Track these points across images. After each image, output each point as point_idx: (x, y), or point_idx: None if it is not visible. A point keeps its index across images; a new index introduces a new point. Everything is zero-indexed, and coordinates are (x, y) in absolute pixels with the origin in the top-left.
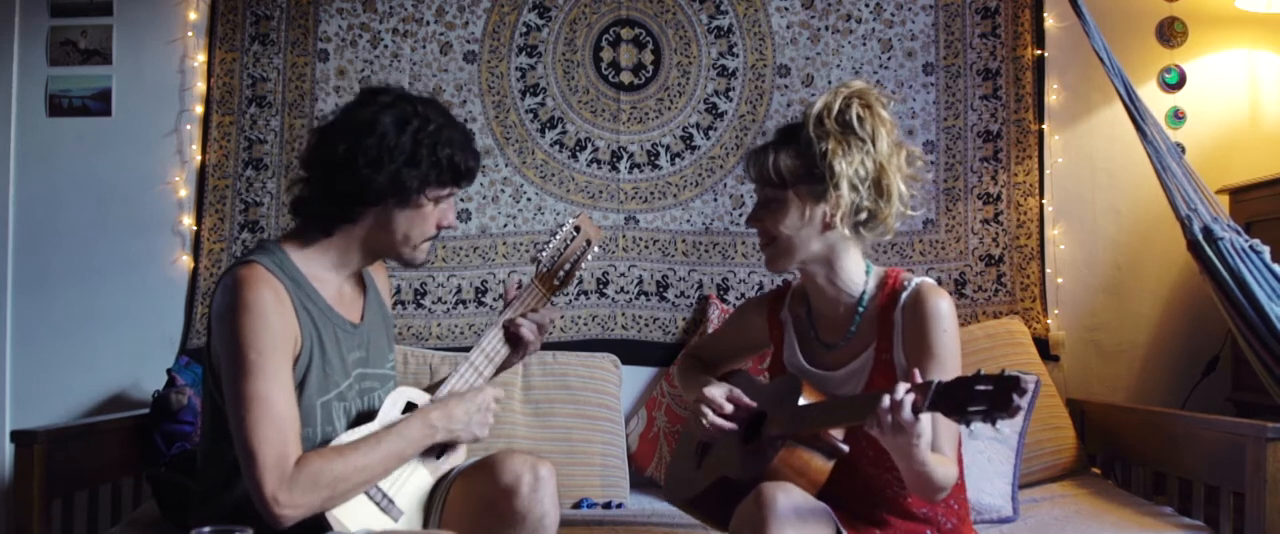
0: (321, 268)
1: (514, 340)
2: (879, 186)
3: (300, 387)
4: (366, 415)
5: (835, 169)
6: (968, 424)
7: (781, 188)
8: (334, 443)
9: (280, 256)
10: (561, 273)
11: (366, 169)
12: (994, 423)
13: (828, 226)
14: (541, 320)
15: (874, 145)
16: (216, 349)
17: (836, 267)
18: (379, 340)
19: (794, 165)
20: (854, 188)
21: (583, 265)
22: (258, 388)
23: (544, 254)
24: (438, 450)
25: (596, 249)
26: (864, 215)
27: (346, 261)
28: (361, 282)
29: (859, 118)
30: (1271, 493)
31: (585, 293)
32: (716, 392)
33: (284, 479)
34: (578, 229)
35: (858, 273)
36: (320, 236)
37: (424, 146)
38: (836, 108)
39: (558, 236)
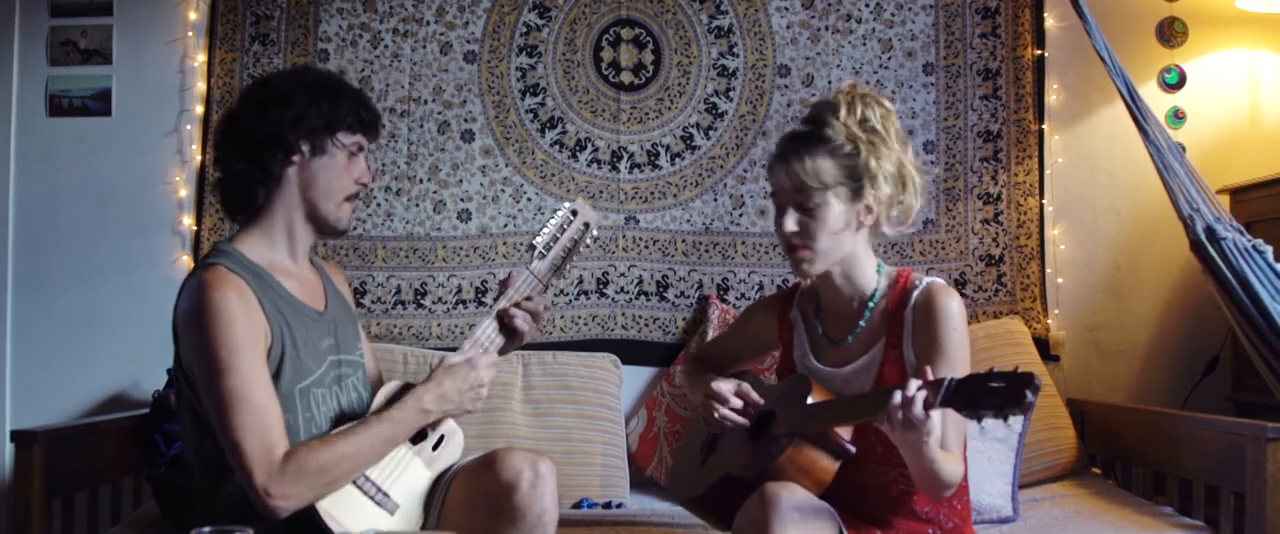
0: (277, 256)
1: (508, 331)
2: (902, 179)
3: (276, 377)
4: (350, 415)
5: (870, 167)
6: (980, 420)
7: (821, 191)
8: (322, 435)
9: (237, 255)
10: (558, 258)
11: (273, 118)
12: (1006, 419)
13: (860, 225)
14: (535, 308)
15: (888, 140)
16: (187, 354)
17: (853, 264)
18: (346, 327)
19: (831, 167)
20: (886, 183)
21: (581, 250)
22: (235, 385)
23: (539, 239)
24: (435, 441)
25: (595, 232)
26: (897, 210)
27: (295, 241)
28: (318, 273)
29: (880, 116)
30: (1272, 493)
31: (585, 293)
32: (725, 385)
33: (273, 471)
34: (575, 213)
35: (871, 270)
36: (260, 218)
37: (323, 91)
38: (859, 110)
39: (553, 221)
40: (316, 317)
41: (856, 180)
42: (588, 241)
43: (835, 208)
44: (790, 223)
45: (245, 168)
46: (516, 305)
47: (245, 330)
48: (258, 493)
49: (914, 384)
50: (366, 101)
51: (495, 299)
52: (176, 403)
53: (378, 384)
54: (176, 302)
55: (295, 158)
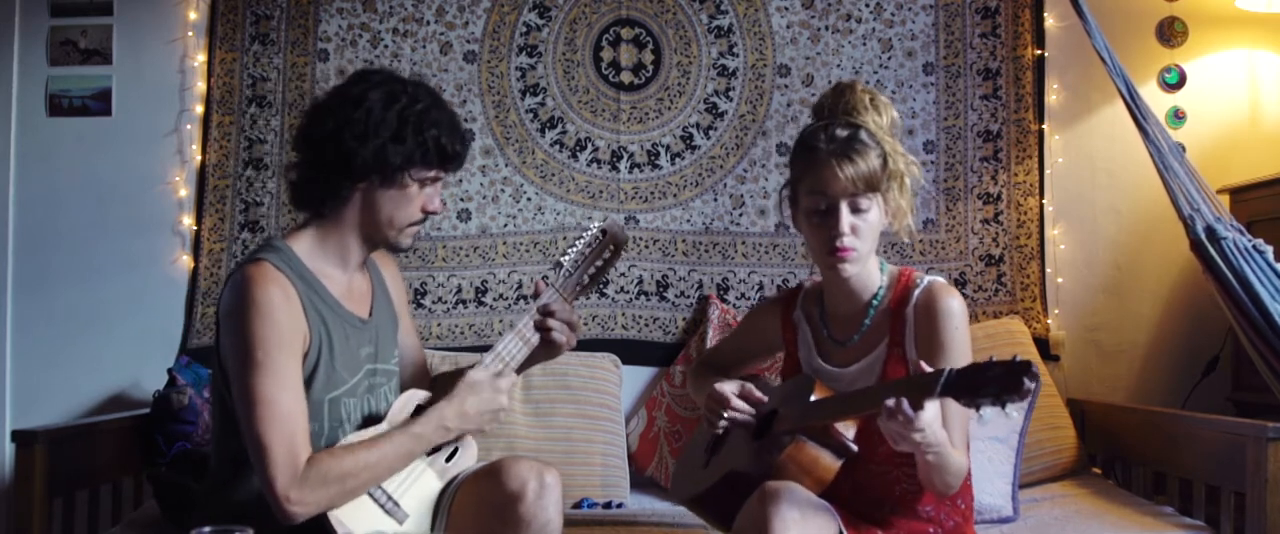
0: (327, 264)
1: (547, 343)
2: (904, 179)
3: (308, 383)
4: (374, 418)
5: (900, 166)
6: (978, 409)
7: (874, 193)
8: (343, 442)
9: (287, 254)
10: (584, 279)
11: (351, 143)
12: (1004, 406)
13: (886, 227)
14: (571, 319)
15: (899, 141)
16: (225, 347)
17: (865, 264)
18: (387, 333)
19: (879, 168)
20: (904, 185)
21: (609, 273)
22: (266, 387)
23: (567, 258)
24: (449, 453)
25: (623, 254)
26: (898, 210)
27: (347, 252)
28: (369, 276)
29: (891, 119)
30: (1272, 493)
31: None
32: (728, 387)
33: (295, 477)
34: (604, 232)
35: (875, 269)
36: (318, 224)
37: (409, 125)
38: (883, 112)
39: (582, 241)
40: (360, 324)
41: (890, 180)
42: (615, 266)
43: (877, 209)
44: (845, 224)
45: (312, 180)
46: (549, 315)
47: (284, 331)
48: (277, 498)
49: (906, 401)
50: (455, 132)
51: (530, 308)
52: (211, 394)
53: (422, 372)
54: (221, 292)
55: (362, 184)
